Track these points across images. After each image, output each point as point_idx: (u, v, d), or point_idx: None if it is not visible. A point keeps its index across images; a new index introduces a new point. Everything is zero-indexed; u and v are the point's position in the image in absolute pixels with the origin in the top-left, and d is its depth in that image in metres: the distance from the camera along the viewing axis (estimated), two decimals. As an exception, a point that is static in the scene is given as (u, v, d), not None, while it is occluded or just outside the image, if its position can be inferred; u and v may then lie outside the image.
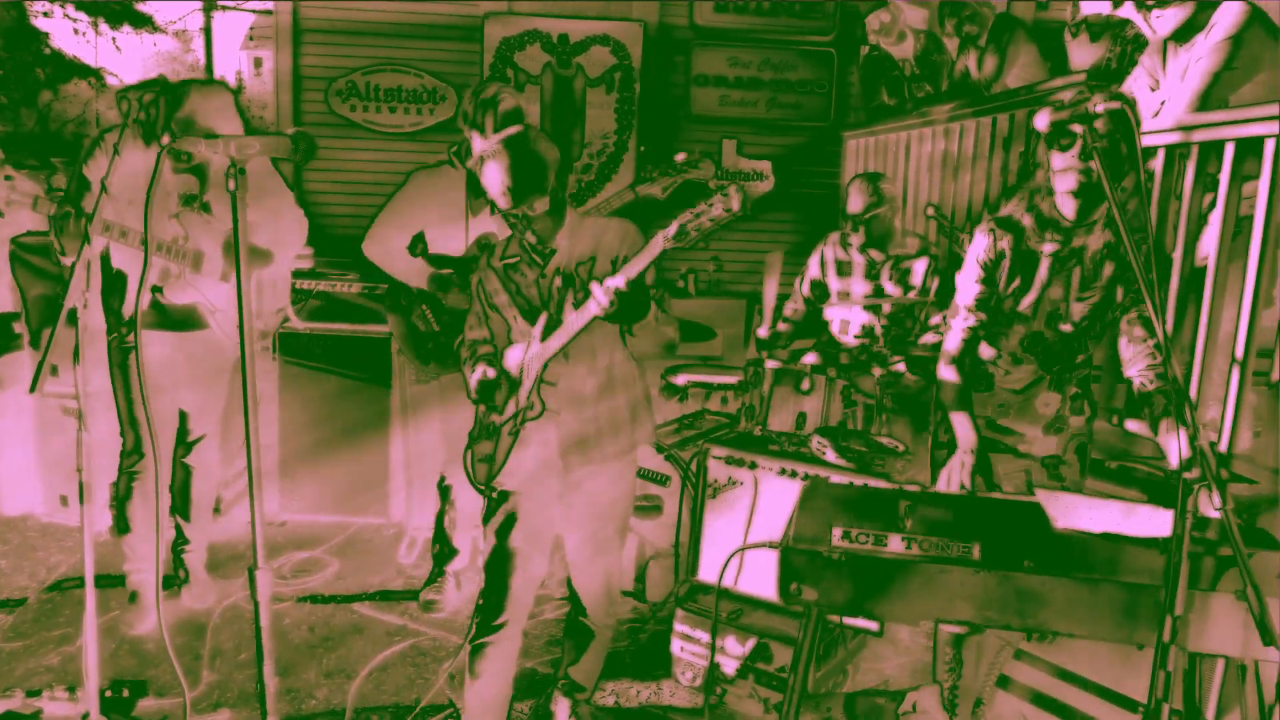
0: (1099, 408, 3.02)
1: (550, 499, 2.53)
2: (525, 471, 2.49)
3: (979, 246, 2.46)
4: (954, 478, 2.42)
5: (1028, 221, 2.41)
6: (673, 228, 2.15)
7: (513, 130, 2.43)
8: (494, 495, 2.52)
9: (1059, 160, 2.32)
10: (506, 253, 2.51)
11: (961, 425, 2.45)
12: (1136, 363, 2.42)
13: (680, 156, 3.35)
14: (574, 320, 2.32)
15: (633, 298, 2.20)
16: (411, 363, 3.44)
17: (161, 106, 2.98)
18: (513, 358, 2.48)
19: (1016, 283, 2.42)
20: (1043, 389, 2.51)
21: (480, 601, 2.52)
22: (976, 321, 2.46)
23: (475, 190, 3.26)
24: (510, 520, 2.50)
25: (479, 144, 2.59)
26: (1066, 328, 2.44)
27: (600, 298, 2.19)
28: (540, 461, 2.48)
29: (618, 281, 2.18)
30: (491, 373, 2.48)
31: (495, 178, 2.35)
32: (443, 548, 3.58)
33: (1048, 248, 2.40)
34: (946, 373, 2.51)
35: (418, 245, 3.28)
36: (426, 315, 3.32)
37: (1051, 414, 2.53)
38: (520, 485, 2.50)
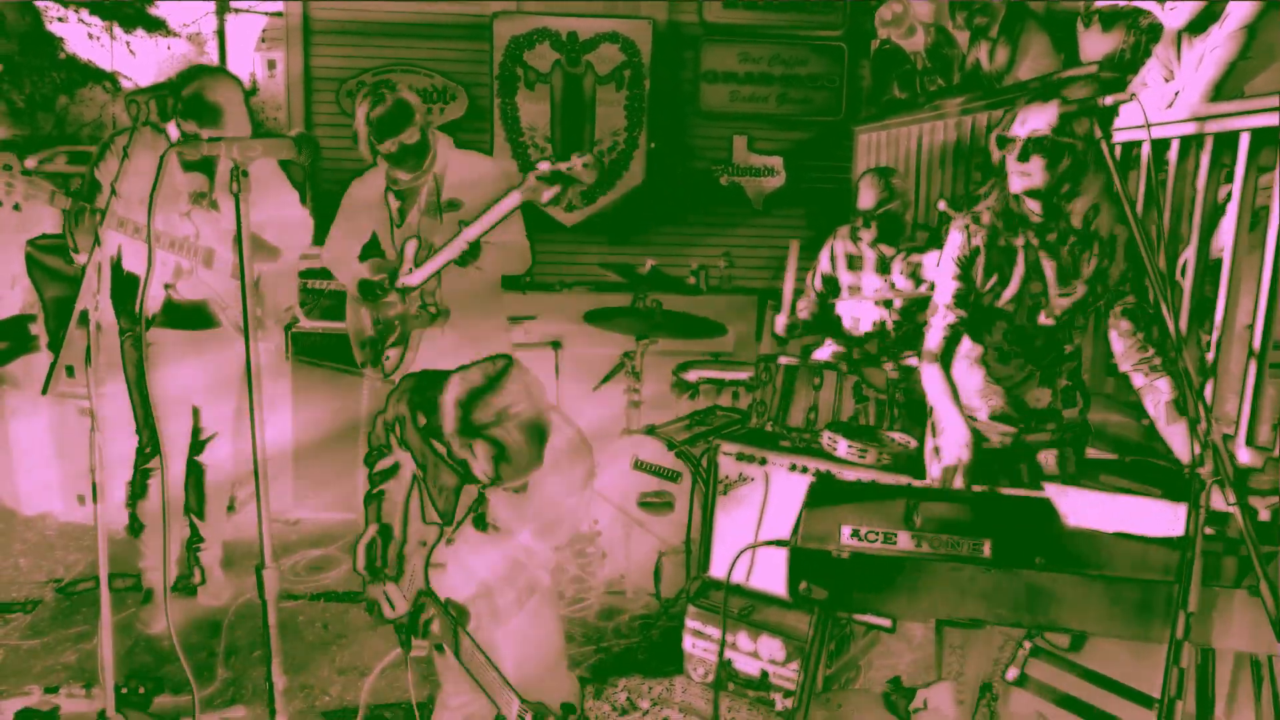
0: (1095, 398, 3.00)
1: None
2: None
3: (954, 243, 2.46)
4: (954, 482, 2.37)
5: (987, 220, 2.42)
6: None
7: None
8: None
9: (1009, 164, 2.33)
10: None
11: (951, 421, 2.39)
12: (1130, 357, 2.40)
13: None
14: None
15: None
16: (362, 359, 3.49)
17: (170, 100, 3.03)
18: None
19: (995, 278, 2.41)
20: (1033, 385, 2.49)
21: None
22: (956, 319, 2.45)
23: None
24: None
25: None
26: (1048, 321, 2.43)
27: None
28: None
29: None
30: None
31: None
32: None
33: (1020, 241, 2.40)
34: (930, 371, 2.47)
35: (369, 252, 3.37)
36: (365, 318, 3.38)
37: (1044, 408, 2.51)
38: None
